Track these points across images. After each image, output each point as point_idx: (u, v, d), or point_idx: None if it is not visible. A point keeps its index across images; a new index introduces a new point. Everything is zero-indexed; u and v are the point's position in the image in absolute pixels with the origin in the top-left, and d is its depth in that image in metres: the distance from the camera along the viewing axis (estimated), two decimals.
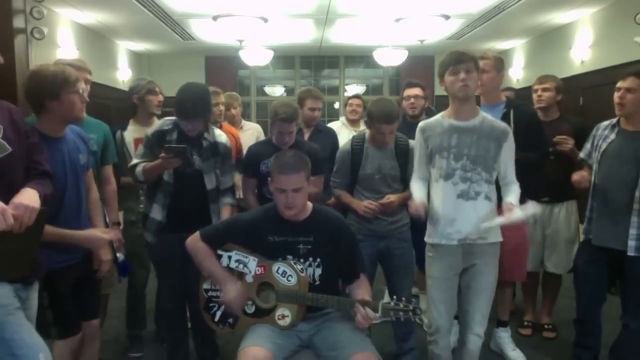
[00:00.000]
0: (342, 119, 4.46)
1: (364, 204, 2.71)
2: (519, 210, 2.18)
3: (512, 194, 2.29)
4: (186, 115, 2.46)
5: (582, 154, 2.76)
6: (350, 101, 4.40)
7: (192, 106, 2.43)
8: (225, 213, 2.68)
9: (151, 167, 2.48)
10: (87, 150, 2.27)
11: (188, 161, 2.43)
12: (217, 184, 2.63)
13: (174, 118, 2.58)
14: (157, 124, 2.66)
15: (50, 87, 1.98)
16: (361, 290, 2.17)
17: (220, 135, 2.68)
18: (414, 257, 2.93)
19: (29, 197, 1.66)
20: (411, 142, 2.77)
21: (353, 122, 4.34)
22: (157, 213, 2.57)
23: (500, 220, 2.21)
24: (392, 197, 2.70)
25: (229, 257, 2.19)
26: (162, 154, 2.40)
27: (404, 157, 2.76)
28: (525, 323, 3.44)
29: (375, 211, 2.70)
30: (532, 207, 2.19)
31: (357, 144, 2.84)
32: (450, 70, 2.22)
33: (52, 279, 2.06)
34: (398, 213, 2.77)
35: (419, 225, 2.54)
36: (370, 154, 2.78)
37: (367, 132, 2.85)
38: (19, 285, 1.79)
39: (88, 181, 2.30)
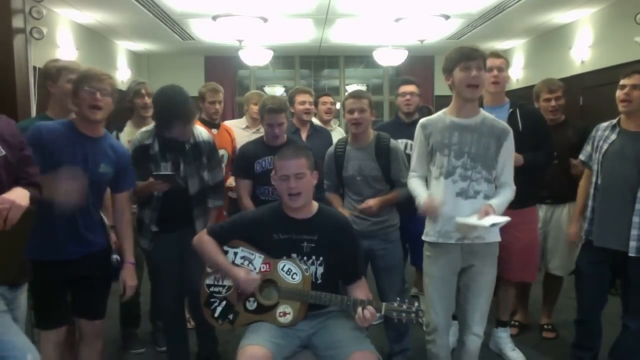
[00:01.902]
0: (315, 120, 3.88)
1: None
2: (493, 216, 2.11)
3: (501, 196, 2.25)
4: (166, 125, 2.46)
5: (581, 156, 2.74)
6: (323, 99, 4.00)
7: (170, 117, 2.43)
8: (213, 217, 2.67)
9: (141, 188, 2.49)
10: (114, 163, 2.23)
11: (176, 184, 2.45)
12: (202, 186, 2.62)
13: (151, 128, 2.58)
14: (135, 137, 2.63)
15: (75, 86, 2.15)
16: (361, 291, 2.17)
17: (201, 133, 2.66)
18: (401, 258, 2.88)
19: (18, 195, 1.65)
20: (393, 142, 2.77)
21: (326, 123, 4.03)
22: (150, 222, 2.59)
23: (472, 220, 2.14)
24: (370, 202, 2.65)
25: (235, 254, 2.20)
26: (151, 180, 2.41)
27: (384, 157, 2.73)
28: (513, 322, 3.42)
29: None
30: (494, 219, 2.11)
31: (340, 146, 2.84)
32: (462, 66, 2.16)
33: (39, 267, 2.03)
34: (384, 214, 2.73)
35: (416, 227, 2.53)
36: (352, 155, 2.77)
37: (350, 134, 2.84)
38: (5, 287, 1.79)
39: (122, 202, 2.34)
